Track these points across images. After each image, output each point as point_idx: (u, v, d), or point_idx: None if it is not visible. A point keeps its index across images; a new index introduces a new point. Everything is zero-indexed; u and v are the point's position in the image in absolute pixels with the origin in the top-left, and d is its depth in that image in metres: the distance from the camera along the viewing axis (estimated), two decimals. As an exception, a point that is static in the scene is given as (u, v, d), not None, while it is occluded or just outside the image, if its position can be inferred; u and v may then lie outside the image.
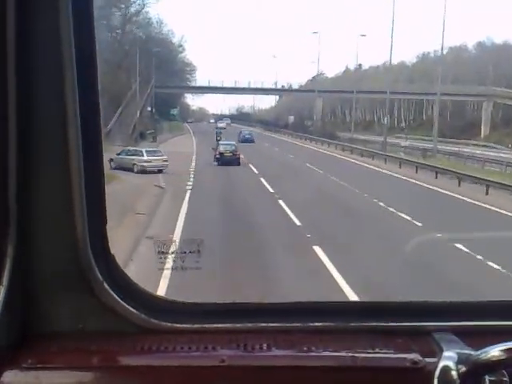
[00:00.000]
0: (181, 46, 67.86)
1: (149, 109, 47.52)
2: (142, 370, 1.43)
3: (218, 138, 35.90)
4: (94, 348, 1.45)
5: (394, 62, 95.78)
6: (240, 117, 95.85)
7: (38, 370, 1.37)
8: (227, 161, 27.95)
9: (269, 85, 69.24)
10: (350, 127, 71.33)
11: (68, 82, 1.34)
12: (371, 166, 31.07)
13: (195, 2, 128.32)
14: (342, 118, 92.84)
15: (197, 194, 19.87)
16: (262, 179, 24.05)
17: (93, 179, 1.43)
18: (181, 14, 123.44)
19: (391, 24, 38.17)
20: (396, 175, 27.14)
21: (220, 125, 54.09)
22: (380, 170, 29.67)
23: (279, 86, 72.28)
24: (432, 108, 78.83)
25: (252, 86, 66.86)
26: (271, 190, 21.10)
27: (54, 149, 1.38)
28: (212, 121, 69.75)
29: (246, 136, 42.92)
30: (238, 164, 28.42)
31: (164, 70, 57.81)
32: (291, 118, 79.82)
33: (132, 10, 59.42)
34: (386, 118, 39.60)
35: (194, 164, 29.23)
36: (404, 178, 26.06)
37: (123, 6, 60.61)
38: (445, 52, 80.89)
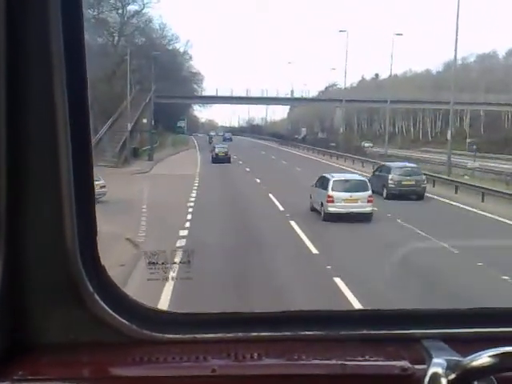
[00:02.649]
0: (186, 53, 65.91)
1: (144, 121, 40.66)
2: (134, 380, 1.43)
3: (211, 141, 53.86)
4: (86, 359, 1.46)
5: (418, 70, 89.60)
6: (251, 129, 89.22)
7: (29, 382, 1.36)
8: (221, 159, 36.26)
9: (282, 94, 63.37)
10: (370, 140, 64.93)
11: (58, 92, 1.34)
12: (437, 197, 22.87)
13: (201, 5, 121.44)
14: (359, 130, 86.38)
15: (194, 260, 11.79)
16: (293, 223, 16.26)
17: (83, 191, 1.43)
18: (186, 17, 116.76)
19: (456, 22, 29.31)
20: (488, 215, 18.78)
21: (211, 133, 75.36)
22: (453, 203, 21.47)
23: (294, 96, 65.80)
24: (460, 120, 71.75)
25: (265, 95, 60.79)
26: (314, 252, 13.05)
27: (43, 162, 1.39)
28: (213, 133, 78.67)
29: (227, 137, 67.58)
30: (229, 162, 36.55)
31: (168, 79, 54.10)
32: (303, 131, 76.38)
33: (130, 10, 54.64)
34: (449, 132, 29.76)
35: (194, 194, 21.47)
36: (506, 221, 17.59)
37: (120, 4, 55.12)
38: (472, 60, 74.72)
